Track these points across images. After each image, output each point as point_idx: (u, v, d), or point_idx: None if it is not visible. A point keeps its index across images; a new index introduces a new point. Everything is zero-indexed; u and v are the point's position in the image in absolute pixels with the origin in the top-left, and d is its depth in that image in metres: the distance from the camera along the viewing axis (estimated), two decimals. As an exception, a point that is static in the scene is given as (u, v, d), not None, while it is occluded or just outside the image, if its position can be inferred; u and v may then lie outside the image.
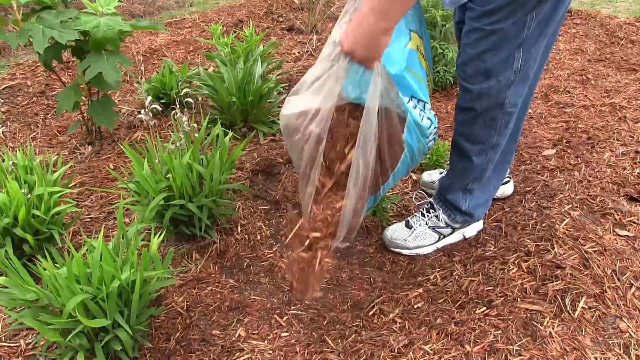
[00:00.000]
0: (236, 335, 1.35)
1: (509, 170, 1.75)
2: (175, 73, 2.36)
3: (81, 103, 1.95)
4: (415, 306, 1.42)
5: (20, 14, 1.75)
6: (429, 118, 1.30)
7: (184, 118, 1.58)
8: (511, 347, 1.29)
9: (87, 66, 1.75)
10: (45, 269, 1.15)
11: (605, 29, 3.22)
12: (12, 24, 1.77)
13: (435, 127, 1.33)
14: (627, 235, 1.63)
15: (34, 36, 1.66)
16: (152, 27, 1.90)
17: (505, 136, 1.42)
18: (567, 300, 1.41)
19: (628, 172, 1.92)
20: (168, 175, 1.49)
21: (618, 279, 1.47)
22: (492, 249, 1.60)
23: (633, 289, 1.45)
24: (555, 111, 2.37)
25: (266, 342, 1.33)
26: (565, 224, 1.67)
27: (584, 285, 1.45)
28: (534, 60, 1.30)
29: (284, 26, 3.33)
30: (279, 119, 2.25)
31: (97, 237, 1.23)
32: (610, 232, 1.64)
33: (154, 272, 1.27)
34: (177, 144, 1.55)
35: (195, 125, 1.60)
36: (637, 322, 1.35)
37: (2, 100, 2.44)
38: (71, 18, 1.70)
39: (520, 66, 1.28)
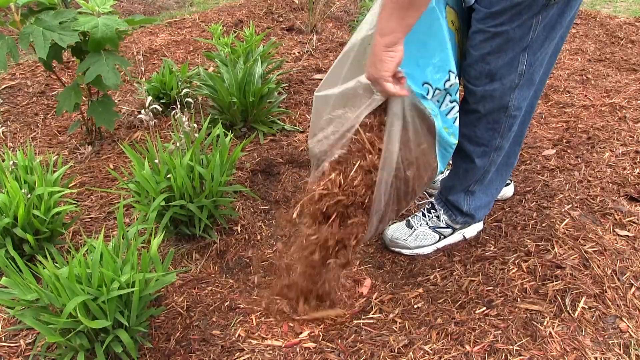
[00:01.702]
0: (236, 335, 1.35)
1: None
2: (175, 73, 2.36)
3: (81, 103, 1.95)
4: (415, 306, 1.42)
5: (19, 15, 1.75)
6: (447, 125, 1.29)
7: (184, 118, 1.58)
8: (511, 347, 1.29)
9: (86, 68, 1.75)
10: (45, 269, 1.15)
11: (605, 29, 3.22)
12: (11, 25, 1.76)
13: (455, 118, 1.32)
14: (627, 235, 1.63)
15: (35, 41, 1.66)
16: (148, 21, 1.93)
17: (509, 139, 1.42)
18: (567, 300, 1.41)
19: (628, 172, 1.92)
20: (168, 176, 1.49)
21: (618, 279, 1.47)
22: (492, 249, 1.60)
23: (633, 289, 1.45)
24: (555, 111, 2.38)
25: (266, 342, 1.33)
26: (565, 224, 1.67)
27: (584, 285, 1.45)
28: (540, 64, 1.29)
29: (284, 26, 3.33)
30: (279, 119, 2.27)
31: (98, 237, 1.23)
32: (610, 232, 1.65)
33: (154, 274, 1.27)
34: (178, 144, 1.55)
35: (195, 125, 1.60)
36: (637, 322, 1.35)
37: (2, 100, 2.44)
38: (70, 19, 1.70)
39: (524, 69, 1.27)
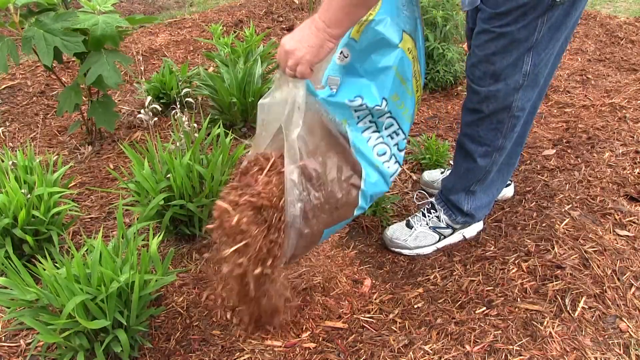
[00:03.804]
0: (236, 335, 1.35)
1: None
2: (175, 73, 2.36)
3: (81, 103, 1.94)
4: (415, 306, 1.42)
5: (18, 16, 1.74)
6: (386, 143, 1.28)
7: (184, 118, 1.58)
8: (511, 347, 1.29)
9: (87, 69, 1.74)
10: (45, 270, 1.15)
11: (605, 29, 3.22)
12: (10, 26, 1.76)
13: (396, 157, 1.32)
14: (627, 235, 1.63)
15: (38, 46, 1.66)
16: (149, 20, 1.94)
17: (512, 139, 1.42)
18: (567, 300, 1.40)
19: (628, 172, 1.92)
20: (168, 176, 1.49)
21: (618, 279, 1.47)
22: (492, 249, 1.60)
23: (633, 289, 1.45)
24: (555, 111, 2.37)
25: (266, 342, 1.33)
26: (565, 224, 1.67)
27: (584, 285, 1.45)
28: (545, 65, 1.29)
29: (284, 26, 3.33)
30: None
31: (97, 237, 1.23)
32: (610, 232, 1.64)
33: (154, 274, 1.27)
34: (177, 144, 1.55)
35: (195, 125, 1.60)
36: (637, 322, 1.35)
37: (2, 100, 2.44)
38: (71, 22, 1.70)
39: (529, 70, 1.27)
